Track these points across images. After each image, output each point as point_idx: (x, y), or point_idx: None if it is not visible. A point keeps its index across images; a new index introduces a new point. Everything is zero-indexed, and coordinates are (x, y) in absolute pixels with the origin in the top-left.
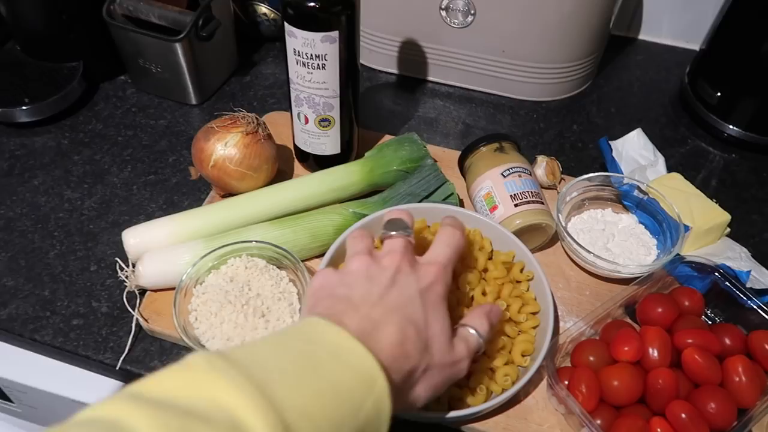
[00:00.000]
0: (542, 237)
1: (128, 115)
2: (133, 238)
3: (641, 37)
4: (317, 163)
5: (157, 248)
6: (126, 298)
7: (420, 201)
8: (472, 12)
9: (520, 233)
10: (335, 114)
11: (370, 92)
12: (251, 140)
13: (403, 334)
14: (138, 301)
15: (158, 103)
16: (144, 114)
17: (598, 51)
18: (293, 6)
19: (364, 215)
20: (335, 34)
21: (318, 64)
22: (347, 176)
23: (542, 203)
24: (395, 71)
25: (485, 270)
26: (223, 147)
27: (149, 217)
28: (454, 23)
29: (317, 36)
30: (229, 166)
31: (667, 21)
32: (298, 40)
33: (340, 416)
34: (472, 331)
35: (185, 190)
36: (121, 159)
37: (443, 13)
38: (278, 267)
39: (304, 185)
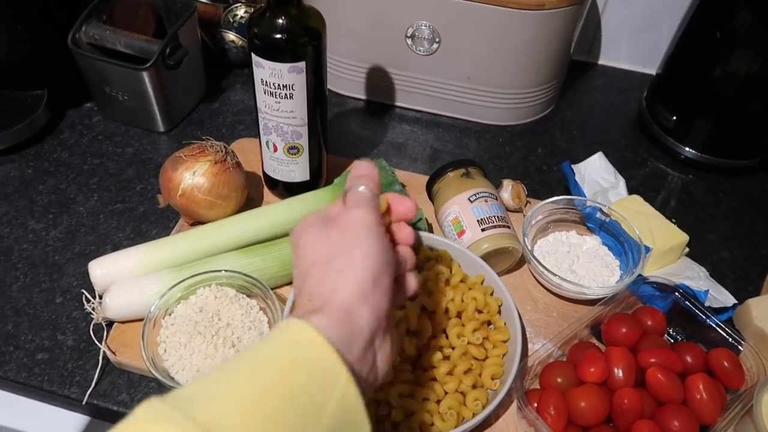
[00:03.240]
0: (510, 260)
1: (94, 143)
2: (100, 269)
3: (601, 62)
4: (286, 189)
5: (125, 279)
6: (93, 330)
7: None
8: (437, 40)
9: (488, 257)
10: (303, 142)
11: (339, 118)
12: (219, 169)
13: (344, 289)
14: (105, 333)
15: (125, 130)
16: (111, 142)
17: (560, 76)
18: (260, 37)
19: None
20: (302, 64)
21: (286, 94)
22: (316, 203)
23: (509, 227)
24: (363, 97)
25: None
26: (192, 176)
27: (116, 246)
28: (419, 51)
29: (284, 67)
30: (197, 195)
31: (625, 47)
32: (265, 71)
33: (299, 426)
34: (361, 188)
35: (153, 219)
36: (87, 188)
37: (409, 41)
38: (248, 296)
39: (274, 213)
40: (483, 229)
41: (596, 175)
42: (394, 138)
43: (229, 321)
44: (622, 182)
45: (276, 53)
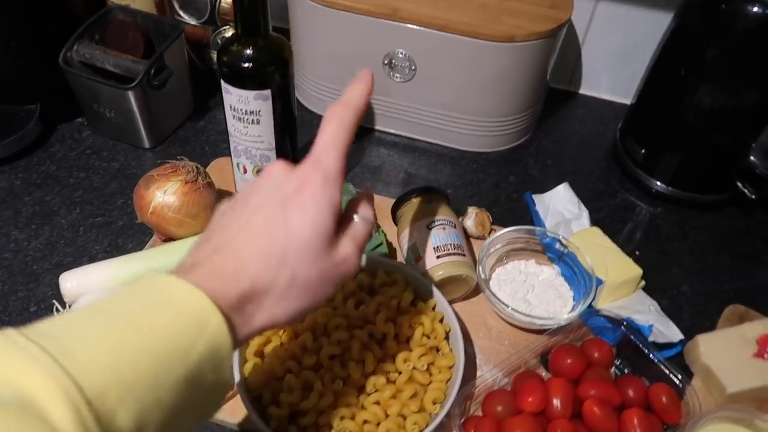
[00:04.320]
0: (465, 287)
1: (82, 157)
2: (70, 282)
3: (582, 91)
4: None
5: (95, 291)
6: None
7: None
8: (413, 68)
9: (444, 284)
10: None
11: None
12: (190, 188)
13: (247, 253)
14: None
15: (113, 145)
16: (98, 156)
17: (536, 105)
18: (228, 65)
19: None
20: (267, 92)
21: (253, 119)
22: None
23: (464, 255)
24: None
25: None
26: (162, 194)
27: (93, 259)
28: (396, 78)
29: (250, 94)
30: (167, 213)
31: (605, 77)
32: (233, 97)
33: (161, 368)
34: (356, 218)
35: (130, 233)
36: (71, 200)
37: (386, 68)
38: None
39: None
40: (438, 257)
41: (560, 205)
42: (371, 161)
43: None
44: (585, 213)
45: (242, 81)
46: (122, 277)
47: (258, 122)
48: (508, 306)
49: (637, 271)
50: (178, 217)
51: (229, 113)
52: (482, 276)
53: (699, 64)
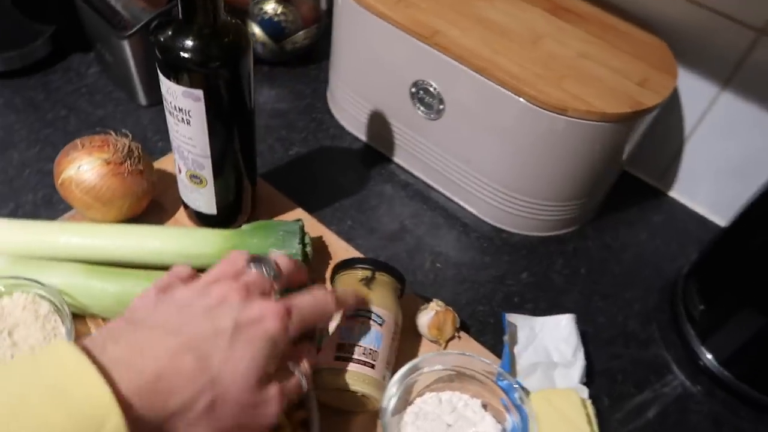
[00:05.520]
0: (363, 407)
1: (74, 94)
2: None
3: (672, 194)
4: (197, 216)
5: None
6: None
7: None
8: (441, 107)
9: (337, 392)
10: (207, 174)
11: (323, 152)
12: (111, 171)
13: (173, 364)
14: None
15: (110, 91)
16: (89, 99)
17: (588, 198)
18: (160, 48)
19: None
20: (198, 92)
21: (182, 118)
22: (202, 246)
23: (372, 367)
24: (363, 138)
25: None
26: (77, 169)
27: (18, 206)
28: (421, 111)
29: (178, 89)
30: (74, 190)
31: (706, 187)
32: (163, 86)
33: None
34: (293, 370)
35: None
36: (36, 137)
37: (413, 98)
38: (61, 319)
39: (149, 238)
40: (337, 357)
41: (551, 341)
42: (368, 198)
43: (17, 341)
44: (579, 364)
45: (170, 71)
46: (14, 246)
47: (188, 123)
48: None
49: None
50: (86, 199)
51: (165, 101)
52: (388, 406)
53: None
